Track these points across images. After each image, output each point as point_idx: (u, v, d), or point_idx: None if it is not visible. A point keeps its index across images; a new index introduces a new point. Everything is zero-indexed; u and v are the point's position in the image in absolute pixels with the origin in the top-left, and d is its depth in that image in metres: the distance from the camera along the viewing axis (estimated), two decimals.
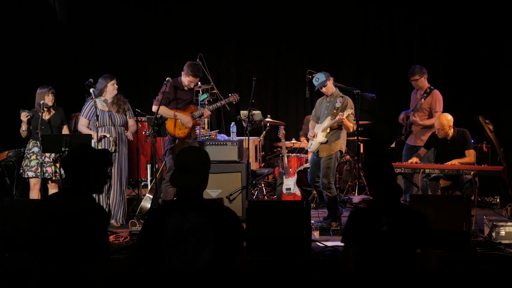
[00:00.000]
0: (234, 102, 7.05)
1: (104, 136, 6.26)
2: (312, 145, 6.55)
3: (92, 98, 6.28)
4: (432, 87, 7.06)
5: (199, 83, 7.87)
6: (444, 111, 6.96)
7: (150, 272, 2.98)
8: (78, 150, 3.21)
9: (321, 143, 6.40)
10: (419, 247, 3.48)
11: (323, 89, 6.48)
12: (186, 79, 6.55)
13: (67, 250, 3.00)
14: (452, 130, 6.38)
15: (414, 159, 6.38)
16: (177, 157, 3.09)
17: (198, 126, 7.41)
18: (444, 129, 6.33)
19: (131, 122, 6.51)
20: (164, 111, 6.44)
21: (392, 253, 3.40)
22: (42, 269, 3.06)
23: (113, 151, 6.24)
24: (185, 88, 6.63)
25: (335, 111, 6.34)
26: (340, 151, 6.49)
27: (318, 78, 6.47)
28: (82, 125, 6.39)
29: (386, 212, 3.44)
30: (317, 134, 6.48)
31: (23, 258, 3.33)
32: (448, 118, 6.37)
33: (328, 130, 6.37)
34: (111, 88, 6.33)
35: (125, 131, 6.45)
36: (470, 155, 6.32)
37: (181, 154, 3.10)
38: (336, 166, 6.52)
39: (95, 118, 6.18)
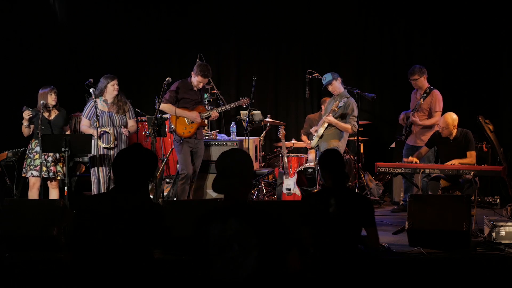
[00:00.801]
0: (245, 106, 7.06)
1: (105, 132, 6.25)
2: (313, 141, 6.73)
3: (92, 98, 6.28)
4: (432, 87, 7.06)
5: None
6: (444, 111, 6.96)
7: (197, 282, 2.93)
8: (132, 150, 3.17)
9: (319, 138, 6.55)
10: (364, 227, 3.85)
11: (330, 88, 6.71)
12: (195, 79, 6.59)
13: (132, 247, 2.97)
14: (455, 130, 6.38)
15: (414, 159, 6.38)
16: (217, 161, 3.01)
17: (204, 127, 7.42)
18: (448, 128, 6.34)
19: (131, 122, 6.50)
20: (170, 108, 6.48)
21: (339, 232, 3.73)
22: (93, 268, 2.99)
23: (113, 146, 6.23)
24: (194, 88, 6.65)
25: (336, 108, 6.45)
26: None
27: (325, 77, 6.69)
28: (84, 125, 6.38)
29: (334, 195, 3.82)
30: (319, 129, 6.67)
31: (63, 258, 3.26)
32: (453, 117, 6.38)
33: (325, 125, 6.50)
34: (111, 89, 6.32)
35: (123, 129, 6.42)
36: (471, 156, 6.32)
37: (221, 158, 3.00)
38: None
39: (95, 118, 6.18)
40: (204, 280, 2.89)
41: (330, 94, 6.94)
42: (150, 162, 3.15)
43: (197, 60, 7.35)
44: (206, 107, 7.30)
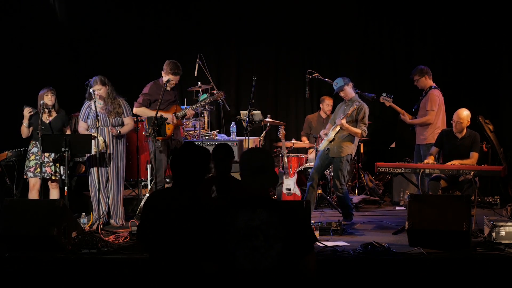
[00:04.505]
0: (220, 100, 7.00)
1: (95, 137, 6.19)
2: (322, 144, 6.63)
3: (88, 100, 6.29)
4: (433, 87, 7.08)
5: (199, 83, 7.86)
6: (445, 111, 7.01)
7: (218, 270, 2.97)
8: (188, 149, 3.34)
9: (330, 141, 6.46)
10: None
11: (341, 94, 6.58)
12: (165, 78, 6.50)
13: (186, 244, 3.13)
14: (466, 129, 6.39)
15: (430, 160, 6.34)
16: (251, 158, 3.09)
17: (191, 127, 7.38)
18: (462, 123, 6.33)
19: (127, 120, 6.41)
20: (144, 112, 6.43)
21: None
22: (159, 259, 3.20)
23: (103, 150, 6.20)
24: (167, 88, 6.56)
25: (350, 113, 6.40)
26: (351, 154, 6.54)
27: (337, 82, 6.58)
28: (81, 128, 6.36)
29: (216, 183, 4.40)
30: (329, 132, 6.58)
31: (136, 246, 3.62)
32: (468, 113, 6.39)
33: (337, 130, 6.43)
34: (96, 93, 6.23)
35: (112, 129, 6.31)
36: (473, 157, 6.31)
37: (256, 155, 3.11)
38: (347, 169, 6.58)
39: (95, 118, 6.17)
40: (224, 267, 2.92)
41: (340, 99, 6.79)
42: (204, 160, 3.34)
43: (197, 60, 7.35)
44: (207, 107, 7.29)
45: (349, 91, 6.55)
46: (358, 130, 6.47)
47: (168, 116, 6.48)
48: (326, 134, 6.63)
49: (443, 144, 6.52)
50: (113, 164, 6.29)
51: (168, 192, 3.40)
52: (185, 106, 7.49)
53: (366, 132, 6.57)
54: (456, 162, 6.20)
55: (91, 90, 6.18)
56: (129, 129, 6.49)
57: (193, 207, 3.18)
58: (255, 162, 3.06)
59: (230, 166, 4.49)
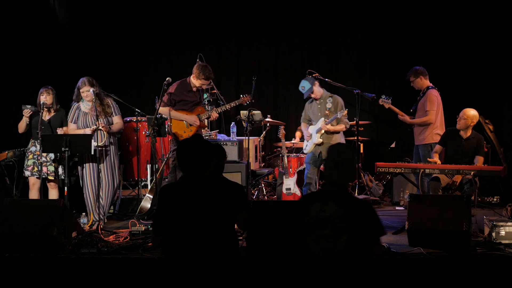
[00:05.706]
0: (245, 104, 7.01)
1: (97, 129, 6.20)
2: (307, 146, 6.63)
3: (75, 103, 6.30)
4: (430, 87, 7.08)
5: None
6: (445, 111, 6.99)
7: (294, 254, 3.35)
8: (198, 141, 3.52)
9: (318, 145, 6.46)
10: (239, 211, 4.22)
11: (312, 95, 6.56)
12: (198, 82, 6.47)
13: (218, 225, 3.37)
14: (471, 129, 6.38)
15: (435, 157, 6.32)
16: (331, 154, 3.38)
17: (204, 128, 7.39)
18: (466, 120, 6.33)
19: (116, 119, 6.39)
20: (166, 112, 6.40)
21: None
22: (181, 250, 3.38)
23: (107, 143, 6.20)
24: (194, 89, 6.56)
25: (327, 112, 6.42)
26: None
27: (304, 86, 6.59)
28: (71, 129, 6.33)
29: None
30: (312, 135, 6.53)
31: (153, 242, 4.12)
32: (475, 113, 6.39)
33: (322, 132, 6.43)
34: (84, 95, 6.24)
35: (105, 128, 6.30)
36: (480, 162, 6.30)
37: (335, 151, 3.39)
38: None
39: (95, 118, 6.16)
40: (300, 252, 3.27)
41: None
42: (209, 149, 3.54)
43: (197, 60, 7.34)
44: (206, 107, 7.28)
45: (317, 90, 6.55)
46: (341, 126, 6.50)
47: (192, 117, 6.47)
48: (310, 136, 6.61)
49: (448, 143, 6.51)
50: (105, 164, 6.27)
51: (184, 184, 3.50)
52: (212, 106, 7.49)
53: (349, 122, 6.60)
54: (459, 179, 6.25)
55: (91, 91, 6.17)
56: (119, 127, 6.45)
57: (221, 194, 3.42)
58: (333, 157, 3.35)
59: (222, 166, 4.48)
